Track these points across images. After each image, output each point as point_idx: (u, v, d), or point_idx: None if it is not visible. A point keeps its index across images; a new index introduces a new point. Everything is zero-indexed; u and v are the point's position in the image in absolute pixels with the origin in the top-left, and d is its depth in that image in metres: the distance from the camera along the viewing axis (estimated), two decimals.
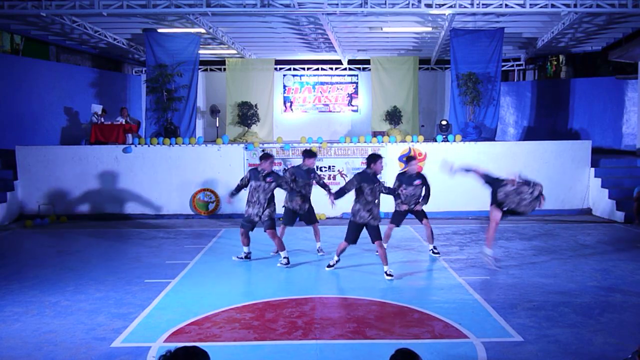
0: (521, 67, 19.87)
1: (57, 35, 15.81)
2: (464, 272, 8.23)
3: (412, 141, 13.53)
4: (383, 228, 8.27)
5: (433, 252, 9.30)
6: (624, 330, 5.92)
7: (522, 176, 8.42)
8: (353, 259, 8.87)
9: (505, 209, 8.39)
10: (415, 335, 5.79)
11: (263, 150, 12.43)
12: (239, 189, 8.79)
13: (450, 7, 12.29)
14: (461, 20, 14.21)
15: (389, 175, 13.34)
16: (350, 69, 19.88)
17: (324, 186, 9.14)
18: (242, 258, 8.92)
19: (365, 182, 7.74)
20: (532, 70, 20.53)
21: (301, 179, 9.05)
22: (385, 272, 7.84)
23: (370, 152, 13.32)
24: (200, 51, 15.87)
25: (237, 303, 6.79)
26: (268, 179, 8.51)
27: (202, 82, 19.27)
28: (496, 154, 13.44)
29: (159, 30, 15.03)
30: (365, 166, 8.09)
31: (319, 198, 9.69)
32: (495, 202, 8.39)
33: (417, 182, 9.02)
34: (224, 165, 13.27)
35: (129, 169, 13.26)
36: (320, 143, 13.44)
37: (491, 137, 15.05)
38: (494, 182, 8.48)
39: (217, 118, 18.64)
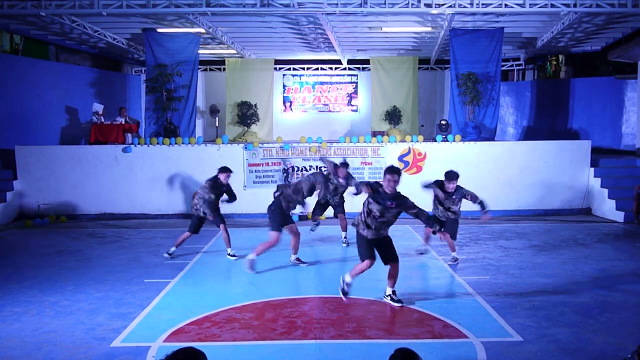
0: (521, 67, 19.84)
1: (57, 35, 15.79)
2: (464, 272, 8.24)
3: (412, 141, 13.53)
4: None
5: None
6: (624, 330, 5.93)
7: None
8: (353, 260, 8.85)
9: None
10: (415, 335, 5.80)
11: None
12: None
13: (450, 7, 12.28)
14: (461, 20, 14.20)
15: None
16: (350, 69, 19.86)
17: None
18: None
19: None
20: (532, 70, 20.51)
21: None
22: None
23: (370, 152, 13.44)
24: (200, 51, 15.87)
25: (237, 303, 6.79)
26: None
27: (202, 82, 19.27)
28: (496, 154, 13.45)
29: (159, 30, 15.02)
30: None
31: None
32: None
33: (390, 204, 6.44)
34: (224, 165, 13.22)
35: (129, 169, 13.26)
36: (320, 143, 13.44)
37: (491, 137, 15.05)
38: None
39: (217, 118, 18.63)
